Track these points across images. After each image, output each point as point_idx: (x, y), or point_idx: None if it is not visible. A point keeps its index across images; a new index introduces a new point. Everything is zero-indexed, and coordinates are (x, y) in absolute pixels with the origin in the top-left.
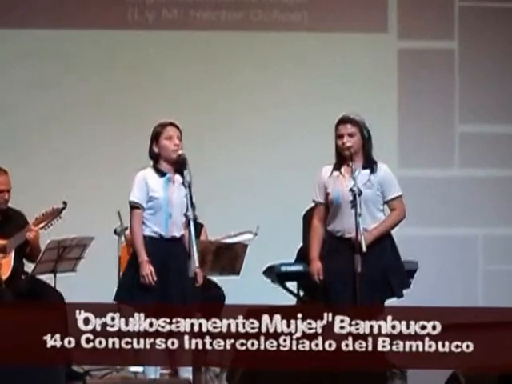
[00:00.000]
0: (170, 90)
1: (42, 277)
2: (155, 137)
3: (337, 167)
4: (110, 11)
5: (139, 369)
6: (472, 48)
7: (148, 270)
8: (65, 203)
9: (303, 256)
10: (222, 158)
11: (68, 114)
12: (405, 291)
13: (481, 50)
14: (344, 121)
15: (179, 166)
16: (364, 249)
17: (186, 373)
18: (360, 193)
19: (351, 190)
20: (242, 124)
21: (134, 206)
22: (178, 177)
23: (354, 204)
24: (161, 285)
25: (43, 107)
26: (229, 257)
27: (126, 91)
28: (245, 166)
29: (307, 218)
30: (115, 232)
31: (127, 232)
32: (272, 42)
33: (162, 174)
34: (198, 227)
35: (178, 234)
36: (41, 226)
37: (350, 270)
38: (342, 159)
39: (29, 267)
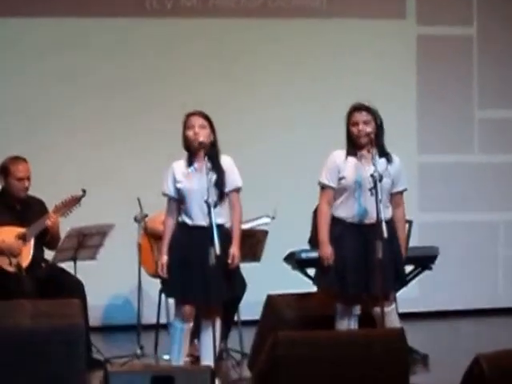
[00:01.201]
0: (188, 78)
1: (62, 264)
2: (183, 127)
3: (351, 153)
4: None
5: (166, 356)
6: (490, 34)
7: (163, 260)
8: (84, 191)
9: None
10: (239, 143)
11: (88, 102)
12: (426, 277)
13: (499, 35)
14: (359, 108)
15: (209, 153)
16: (386, 234)
17: (208, 360)
18: (381, 179)
19: (372, 175)
20: (259, 110)
21: (166, 198)
22: (207, 165)
23: (373, 190)
24: (189, 271)
25: (63, 95)
26: (250, 243)
27: (145, 79)
28: (263, 150)
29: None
30: (135, 219)
31: (147, 220)
32: (290, 29)
33: (190, 163)
34: None
35: (206, 223)
36: (60, 213)
37: (366, 256)
38: (354, 146)
39: (49, 255)
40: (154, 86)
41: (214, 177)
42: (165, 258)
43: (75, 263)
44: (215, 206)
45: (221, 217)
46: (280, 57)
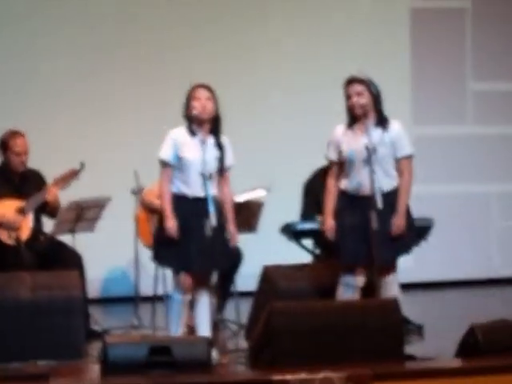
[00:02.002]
0: (187, 50)
1: (61, 237)
2: (188, 99)
3: (349, 125)
4: None
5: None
6: (484, 7)
7: (171, 224)
8: (82, 164)
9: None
10: (236, 115)
11: (84, 76)
12: (420, 248)
13: (493, 8)
14: (351, 81)
15: (213, 127)
16: (380, 205)
17: (205, 331)
18: (375, 149)
19: (366, 147)
20: (257, 81)
21: (163, 164)
22: (210, 138)
23: (367, 161)
24: (187, 241)
25: (60, 68)
26: (245, 215)
27: (141, 50)
28: (260, 122)
29: (308, 188)
30: (132, 192)
31: (143, 193)
32: (285, 2)
33: (193, 134)
34: None
35: (203, 194)
36: (59, 186)
37: (365, 227)
38: (353, 118)
39: (47, 228)
40: (153, 58)
41: (216, 152)
42: (174, 221)
43: (73, 236)
44: (211, 177)
45: (215, 189)
46: (276, 27)
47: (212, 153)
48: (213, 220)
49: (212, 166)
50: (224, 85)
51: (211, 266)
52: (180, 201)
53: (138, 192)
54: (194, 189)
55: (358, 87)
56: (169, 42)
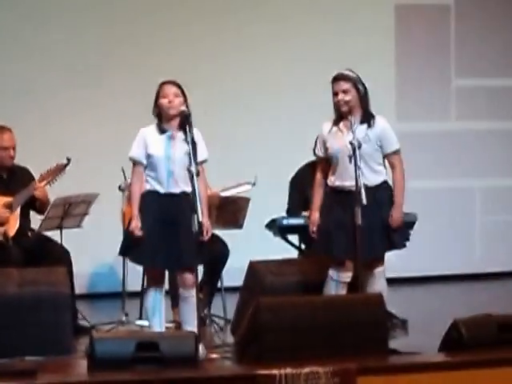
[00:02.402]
0: (174, 46)
1: (48, 233)
2: (156, 95)
3: (336, 123)
4: None
5: (145, 322)
6: (468, 3)
7: (134, 225)
8: (68, 159)
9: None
10: (222, 111)
11: (71, 70)
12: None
13: (476, 5)
14: (337, 78)
15: (182, 122)
16: (364, 201)
17: (191, 326)
18: (359, 146)
19: (351, 143)
20: (242, 74)
21: (133, 162)
22: (180, 133)
23: (352, 157)
24: (157, 239)
25: (45, 64)
26: (232, 210)
27: (130, 46)
28: (245, 119)
29: (294, 183)
30: (119, 188)
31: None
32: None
33: (162, 131)
34: None
35: (178, 190)
36: (46, 182)
37: (351, 223)
38: (340, 115)
39: (35, 224)
40: (138, 52)
41: (185, 147)
42: (138, 221)
43: (61, 232)
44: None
45: (185, 185)
46: (264, 22)
47: (181, 148)
48: (200, 216)
49: (180, 162)
50: (210, 82)
51: (178, 261)
52: (152, 197)
53: (125, 188)
54: (166, 185)
55: (344, 85)
56: (155, 43)
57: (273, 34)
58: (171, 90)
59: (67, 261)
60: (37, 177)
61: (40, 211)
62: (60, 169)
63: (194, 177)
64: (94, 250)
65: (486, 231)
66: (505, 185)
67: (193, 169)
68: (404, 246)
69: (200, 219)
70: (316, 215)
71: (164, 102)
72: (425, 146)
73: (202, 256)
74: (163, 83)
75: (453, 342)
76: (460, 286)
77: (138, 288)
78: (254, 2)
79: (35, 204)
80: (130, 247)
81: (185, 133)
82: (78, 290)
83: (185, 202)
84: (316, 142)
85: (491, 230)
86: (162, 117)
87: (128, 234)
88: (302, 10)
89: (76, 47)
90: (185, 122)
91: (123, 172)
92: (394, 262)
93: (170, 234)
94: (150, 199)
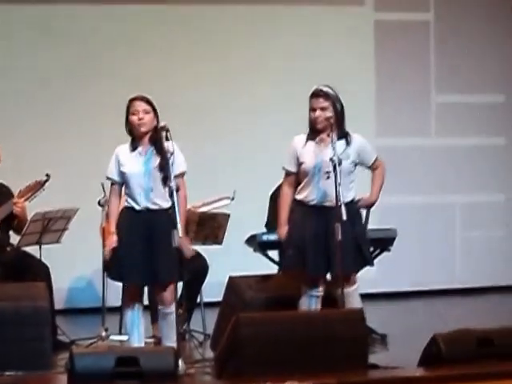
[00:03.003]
0: (150, 68)
1: (28, 248)
2: (126, 112)
3: (311, 137)
4: None
5: (124, 337)
6: (447, 20)
7: (109, 242)
8: (48, 175)
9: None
10: (201, 126)
11: (51, 87)
12: (384, 258)
13: (455, 21)
14: (316, 94)
15: (154, 137)
16: (344, 217)
17: (170, 341)
18: (340, 162)
19: (331, 159)
20: (220, 93)
21: (109, 181)
22: (152, 149)
23: (330, 173)
24: (135, 255)
25: (26, 80)
26: (212, 226)
27: (108, 64)
28: (223, 135)
29: (273, 197)
30: (99, 203)
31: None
32: (253, 15)
33: (134, 148)
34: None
35: (154, 206)
36: (25, 198)
37: (327, 238)
38: (315, 131)
39: (14, 239)
40: (117, 71)
41: (157, 160)
42: (113, 238)
43: (40, 247)
44: (152, 190)
45: (162, 199)
46: (242, 41)
47: (153, 164)
48: (180, 231)
49: (156, 177)
50: (187, 97)
51: (156, 277)
52: (129, 214)
53: (104, 204)
54: (140, 202)
55: (323, 102)
56: (133, 60)
57: (249, 49)
58: (140, 106)
59: (46, 276)
60: (16, 193)
61: (17, 229)
62: (39, 185)
63: (174, 193)
64: (74, 265)
65: (466, 246)
66: (484, 200)
67: (172, 184)
68: (373, 263)
69: (180, 235)
70: (285, 229)
71: (134, 119)
72: (405, 161)
73: (181, 272)
74: (132, 99)
75: (432, 357)
76: (440, 301)
77: (118, 303)
78: (232, 21)
79: (13, 221)
80: (109, 264)
81: (156, 148)
82: (57, 306)
83: (162, 217)
84: (287, 156)
85: (471, 245)
86: (132, 133)
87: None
88: (280, 26)
89: (53, 63)
90: (157, 137)
91: (103, 187)
92: (375, 277)
93: (148, 250)
94: (127, 216)
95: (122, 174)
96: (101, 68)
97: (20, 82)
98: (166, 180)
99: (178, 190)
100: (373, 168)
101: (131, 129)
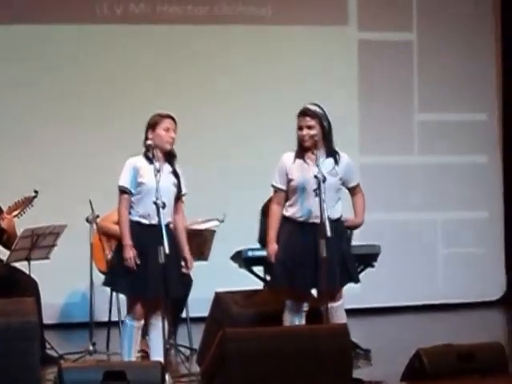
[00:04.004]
0: (136, 82)
1: (17, 264)
2: (152, 125)
3: (299, 155)
4: (79, 6)
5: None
6: (429, 40)
7: (131, 254)
8: (36, 191)
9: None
10: (192, 144)
11: (40, 105)
12: (367, 274)
13: (438, 41)
14: (303, 113)
15: (170, 156)
16: (329, 233)
17: (158, 354)
18: (324, 179)
19: (315, 176)
20: (207, 113)
21: (122, 191)
22: (166, 166)
23: (317, 190)
24: (142, 269)
25: (15, 98)
26: (197, 243)
27: (94, 83)
28: (211, 151)
29: (265, 211)
30: (87, 220)
31: (99, 219)
32: (237, 36)
33: (151, 161)
34: None
35: (164, 222)
36: (14, 214)
37: (313, 254)
38: (303, 148)
39: (2, 254)
40: (104, 89)
41: (173, 179)
42: (133, 250)
43: (29, 263)
44: (164, 206)
45: (169, 217)
46: (226, 62)
47: (169, 180)
48: (166, 247)
49: (169, 193)
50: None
51: (165, 293)
52: (137, 228)
53: (92, 220)
54: (151, 216)
55: (309, 121)
56: (116, 75)
57: (234, 70)
58: (172, 125)
59: (35, 291)
60: (5, 209)
61: (6, 244)
62: (28, 201)
63: (160, 209)
64: (62, 280)
65: (448, 263)
66: (466, 217)
67: (158, 201)
68: (359, 280)
69: (167, 251)
70: (275, 246)
71: (166, 135)
72: (387, 179)
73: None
74: (165, 116)
75: (415, 371)
76: (422, 317)
77: (106, 318)
78: (216, 42)
79: (2, 237)
80: (118, 278)
81: (171, 165)
82: (46, 320)
83: (169, 233)
84: (276, 173)
85: (453, 261)
86: (151, 147)
87: (116, 264)
88: (263, 45)
89: (42, 81)
90: (172, 156)
91: (91, 204)
92: (358, 293)
93: (155, 265)
94: (136, 230)
95: (138, 185)
96: (89, 86)
97: (9, 101)
98: (177, 199)
99: (179, 210)
100: (353, 192)
101: (157, 142)
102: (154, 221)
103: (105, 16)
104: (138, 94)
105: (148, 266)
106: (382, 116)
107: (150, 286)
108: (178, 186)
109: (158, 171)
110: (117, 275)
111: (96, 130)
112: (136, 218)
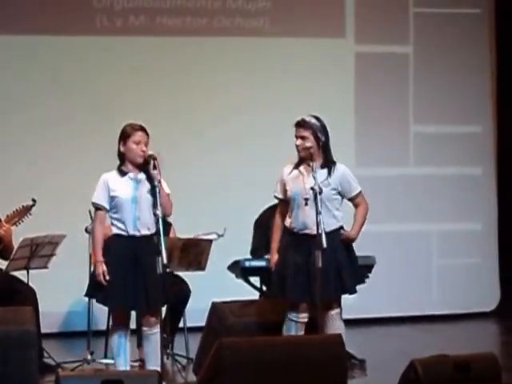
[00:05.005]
0: (137, 94)
1: (15, 273)
2: (123, 138)
3: (297, 166)
4: (79, 17)
5: (110, 361)
6: (426, 53)
7: (101, 270)
8: (34, 200)
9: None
10: (192, 157)
11: (39, 113)
12: (364, 285)
13: (434, 54)
14: (298, 124)
15: (145, 166)
16: (325, 245)
17: (154, 365)
18: (321, 191)
19: (312, 188)
20: (206, 125)
21: (95, 208)
22: (141, 176)
23: (308, 200)
24: (124, 281)
25: (14, 106)
26: (195, 253)
27: (97, 94)
28: (212, 166)
29: (258, 224)
30: (86, 230)
31: None
32: (235, 47)
33: (123, 173)
34: (167, 226)
35: (143, 232)
36: (12, 223)
37: (308, 265)
38: (301, 159)
39: (2, 264)
40: (104, 100)
41: (147, 187)
42: (103, 266)
43: (28, 272)
44: (163, 217)
45: (152, 227)
46: (224, 74)
47: (144, 190)
48: (164, 258)
49: (147, 203)
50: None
51: (146, 304)
52: (117, 240)
53: (91, 230)
54: (130, 227)
55: (302, 132)
56: (116, 86)
57: (231, 81)
58: (143, 138)
59: (33, 300)
60: (3, 218)
61: (3, 254)
62: (26, 210)
63: (159, 220)
64: (60, 289)
65: (443, 274)
66: (460, 229)
67: (158, 212)
68: (355, 291)
69: (165, 261)
70: (274, 256)
71: (136, 149)
72: (383, 190)
73: (166, 297)
74: (135, 129)
75: (410, 382)
76: (417, 327)
77: (103, 327)
78: (214, 54)
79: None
80: (97, 289)
81: (147, 175)
82: (44, 329)
83: (149, 243)
84: (276, 184)
85: (447, 272)
86: (124, 159)
87: (94, 277)
88: (261, 57)
89: (42, 88)
90: (147, 165)
91: (90, 214)
92: (353, 303)
93: (137, 277)
94: (116, 242)
95: (111, 200)
96: (90, 97)
97: (8, 109)
98: (155, 206)
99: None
100: (355, 203)
101: (128, 155)
102: (132, 232)
103: (105, 28)
104: (138, 104)
105: (127, 277)
106: (377, 127)
107: (127, 296)
108: (154, 194)
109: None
110: (96, 287)
111: (96, 140)
112: (116, 231)
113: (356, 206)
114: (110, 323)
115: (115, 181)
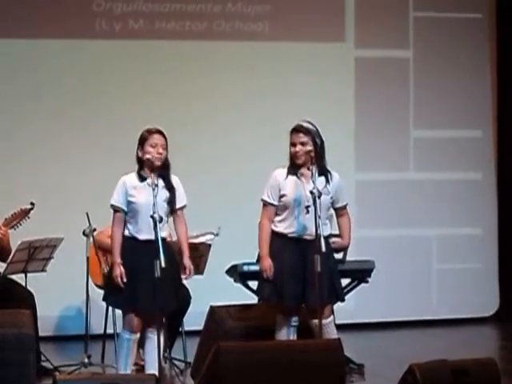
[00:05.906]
0: (135, 97)
1: (14, 276)
2: (141, 142)
3: (291, 171)
4: (78, 21)
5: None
6: (426, 57)
7: (118, 272)
8: (32, 203)
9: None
10: (189, 159)
11: (36, 117)
12: (362, 289)
13: (434, 58)
14: (296, 130)
15: (163, 171)
16: (324, 249)
17: (153, 367)
18: (320, 195)
19: (311, 192)
20: (204, 127)
21: (114, 210)
22: (159, 181)
23: (309, 206)
24: (136, 283)
25: (11, 109)
26: (193, 257)
27: (93, 96)
28: (209, 167)
29: None
30: (84, 233)
31: (95, 233)
32: (234, 52)
33: (142, 178)
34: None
35: (152, 237)
36: (9, 226)
37: (303, 270)
38: (295, 165)
39: (1, 267)
40: (103, 103)
41: (166, 194)
42: (121, 268)
43: (26, 275)
44: (161, 221)
45: (165, 231)
46: (224, 78)
47: (162, 195)
48: (162, 262)
49: (163, 208)
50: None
51: (160, 307)
52: (131, 243)
53: (89, 233)
54: (145, 232)
55: (303, 137)
56: (116, 89)
57: (233, 84)
58: (160, 140)
59: (31, 303)
60: (1, 221)
61: (0, 258)
62: (24, 213)
63: (157, 224)
64: (58, 293)
65: (442, 278)
66: (461, 234)
67: (156, 215)
68: (344, 299)
69: (163, 265)
70: (269, 261)
71: (153, 151)
72: (383, 195)
73: (177, 300)
74: (152, 132)
75: None
76: (416, 332)
77: (101, 331)
78: (214, 58)
79: None
80: (112, 292)
81: (164, 180)
82: (41, 333)
83: (164, 247)
84: (268, 188)
85: (447, 277)
86: (143, 163)
87: (110, 280)
88: (261, 61)
89: (40, 94)
90: (165, 171)
91: (88, 217)
92: (352, 308)
93: (150, 280)
94: (129, 246)
95: (129, 204)
96: (88, 100)
97: (5, 113)
98: (171, 213)
99: (180, 222)
100: (341, 213)
101: (145, 159)
102: (148, 236)
103: (104, 32)
104: (137, 108)
105: (141, 281)
106: (377, 132)
107: (143, 299)
108: (171, 202)
109: (156, 185)
110: (111, 291)
111: (95, 143)
112: (130, 234)
113: (341, 215)
114: (109, 326)
115: (134, 185)
